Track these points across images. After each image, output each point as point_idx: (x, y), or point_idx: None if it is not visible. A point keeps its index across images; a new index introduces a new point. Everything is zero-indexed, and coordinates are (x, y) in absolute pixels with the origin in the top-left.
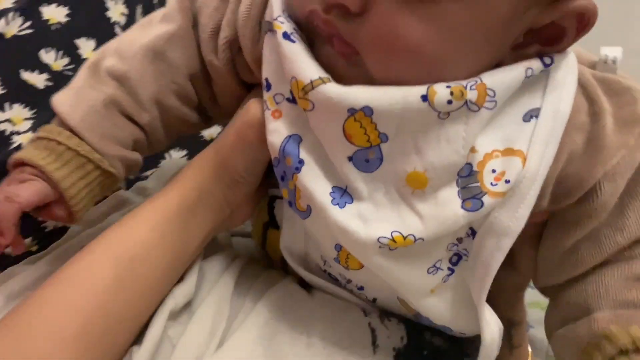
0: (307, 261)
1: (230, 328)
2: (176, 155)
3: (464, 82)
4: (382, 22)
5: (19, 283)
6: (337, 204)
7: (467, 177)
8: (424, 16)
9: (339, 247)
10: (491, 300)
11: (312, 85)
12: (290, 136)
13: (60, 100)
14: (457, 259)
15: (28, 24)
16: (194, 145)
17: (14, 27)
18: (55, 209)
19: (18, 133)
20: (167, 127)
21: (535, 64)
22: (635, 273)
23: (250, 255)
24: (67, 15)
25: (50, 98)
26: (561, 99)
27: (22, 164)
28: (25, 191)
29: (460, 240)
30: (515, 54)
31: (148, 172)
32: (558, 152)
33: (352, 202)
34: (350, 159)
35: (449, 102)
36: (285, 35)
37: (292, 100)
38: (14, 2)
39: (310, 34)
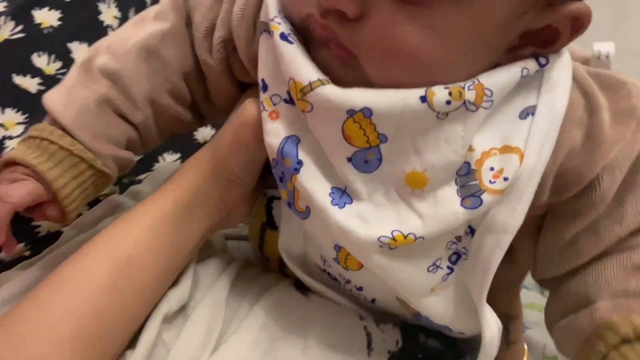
0: (305, 262)
1: (226, 332)
2: (170, 158)
3: (461, 83)
4: (380, 28)
5: (12, 288)
6: (337, 204)
7: (465, 176)
8: (421, 21)
9: (338, 248)
10: (488, 296)
11: (311, 87)
12: (288, 137)
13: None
14: (456, 257)
15: (20, 28)
16: (188, 149)
17: (6, 31)
18: (47, 209)
19: (10, 138)
20: (161, 126)
21: (531, 64)
22: (634, 263)
23: (246, 258)
24: (59, 19)
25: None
26: (556, 96)
27: (13, 163)
28: (18, 191)
29: (459, 238)
30: (511, 56)
31: (142, 176)
32: (557, 148)
33: (352, 202)
34: (349, 159)
35: (448, 102)
36: (283, 36)
37: (290, 101)
38: (6, 6)
39: (305, 36)
